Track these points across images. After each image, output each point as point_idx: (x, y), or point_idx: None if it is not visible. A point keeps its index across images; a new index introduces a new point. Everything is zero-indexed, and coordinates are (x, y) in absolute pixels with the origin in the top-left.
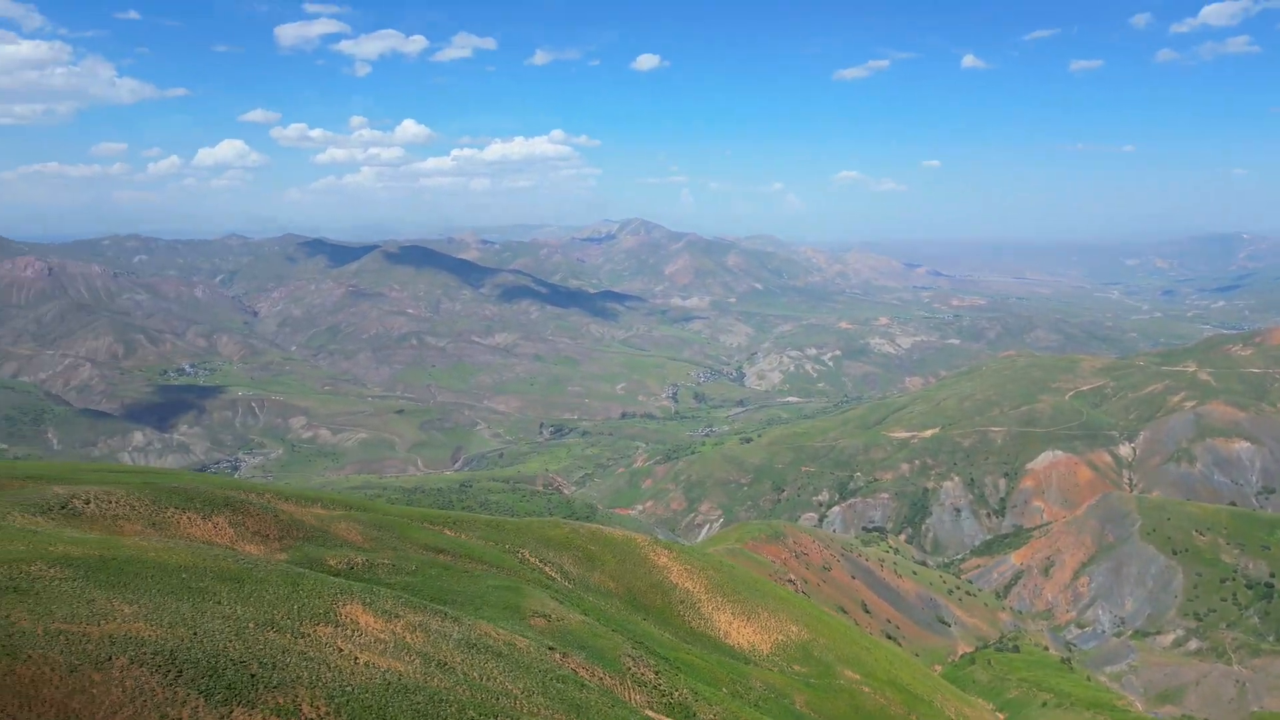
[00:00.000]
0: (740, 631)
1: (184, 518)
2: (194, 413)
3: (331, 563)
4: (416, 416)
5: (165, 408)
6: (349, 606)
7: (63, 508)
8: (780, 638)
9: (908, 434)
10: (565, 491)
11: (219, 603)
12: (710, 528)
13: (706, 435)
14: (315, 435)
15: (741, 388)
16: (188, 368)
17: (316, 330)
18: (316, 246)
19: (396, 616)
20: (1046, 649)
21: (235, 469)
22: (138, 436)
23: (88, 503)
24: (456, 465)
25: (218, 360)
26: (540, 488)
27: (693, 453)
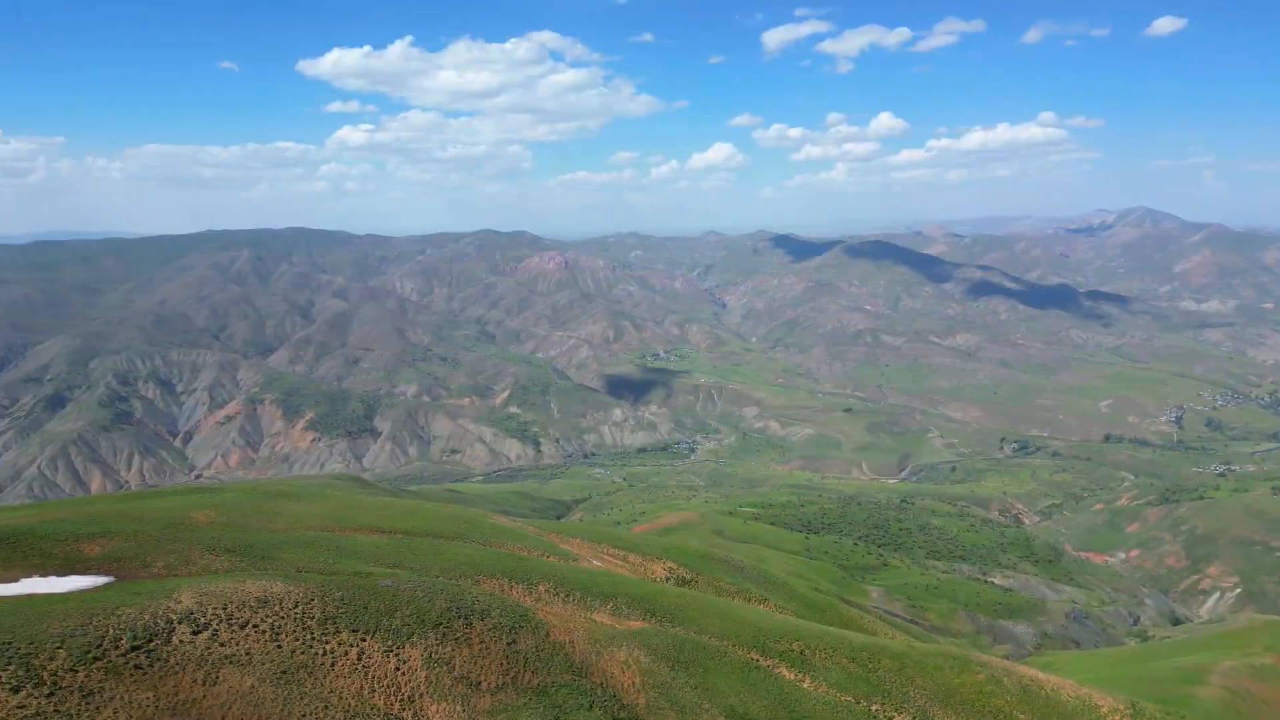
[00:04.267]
0: None
1: (351, 654)
2: (662, 394)
3: None
4: (865, 417)
5: (640, 387)
6: None
7: (136, 647)
8: None
9: None
10: (1025, 522)
11: None
12: (1221, 598)
13: (1222, 475)
14: (765, 426)
15: (1276, 417)
16: (661, 353)
17: (776, 323)
18: (781, 242)
19: None
20: None
21: (692, 450)
22: (616, 412)
23: (201, 629)
24: (903, 473)
25: (687, 348)
26: (995, 515)
27: (1201, 496)
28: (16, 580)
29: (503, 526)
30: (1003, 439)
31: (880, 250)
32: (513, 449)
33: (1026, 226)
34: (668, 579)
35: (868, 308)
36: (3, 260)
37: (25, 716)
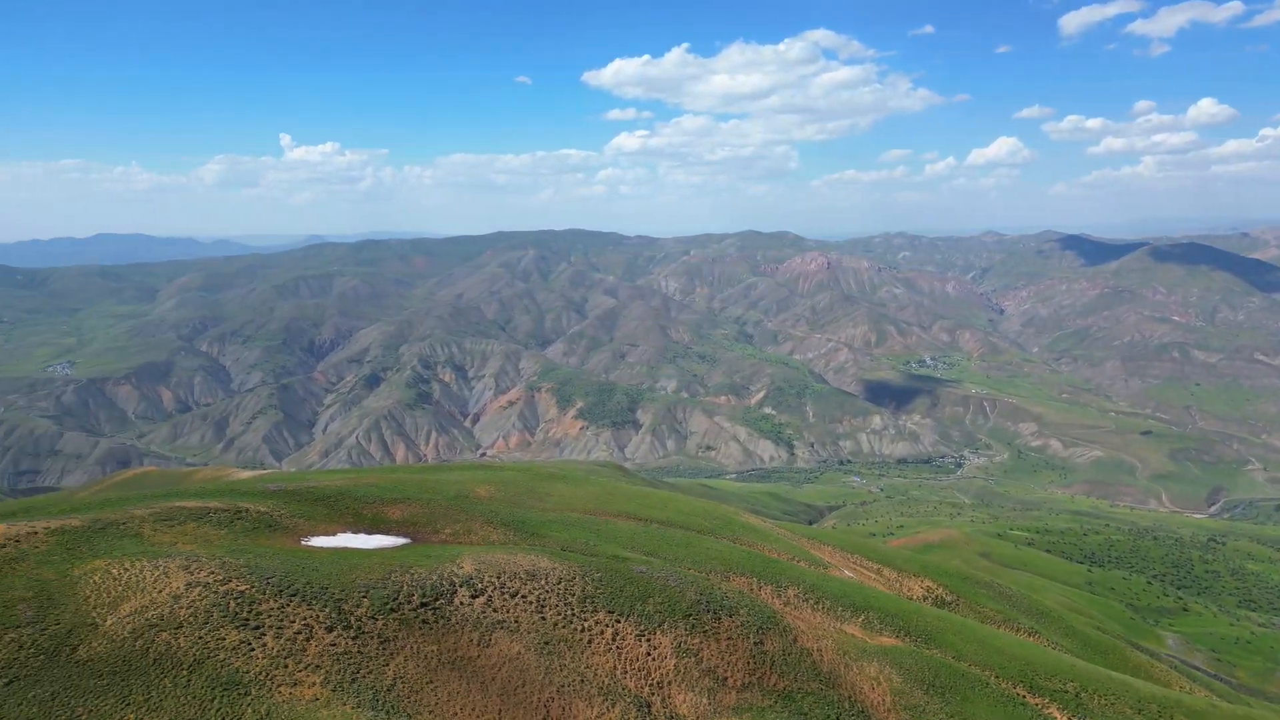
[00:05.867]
0: None
1: (606, 633)
2: (927, 403)
3: None
4: (1167, 442)
5: (902, 394)
6: None
7: (424, 604)
8: None
9: None
10: None
11: None
12: None
13: None
14: (1044, 445)
15: None
16: (928, 359)
17: (1062, 333)
18: (1071, 243)
19: None
20: None
21: (958, 465)
22: (876, 419)
23: (478, 594)
24: (1213, 509)
25: (957, 355)
26: None
27: None
28: (334, 534)
29: (754, 526)
30: None
31: (1194, 253)
32: (766, 450)
33: None
34: (925, 598)
35: (1176, 318)
36: (338, 256)
37: (335, 654)
